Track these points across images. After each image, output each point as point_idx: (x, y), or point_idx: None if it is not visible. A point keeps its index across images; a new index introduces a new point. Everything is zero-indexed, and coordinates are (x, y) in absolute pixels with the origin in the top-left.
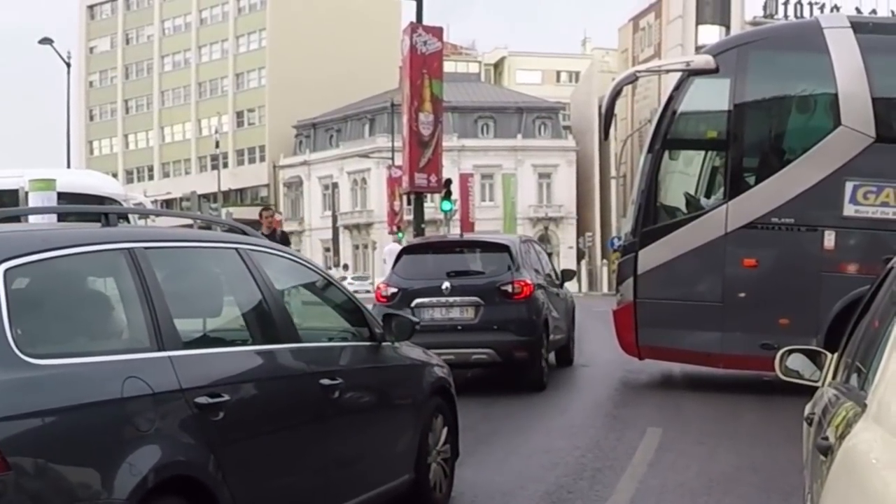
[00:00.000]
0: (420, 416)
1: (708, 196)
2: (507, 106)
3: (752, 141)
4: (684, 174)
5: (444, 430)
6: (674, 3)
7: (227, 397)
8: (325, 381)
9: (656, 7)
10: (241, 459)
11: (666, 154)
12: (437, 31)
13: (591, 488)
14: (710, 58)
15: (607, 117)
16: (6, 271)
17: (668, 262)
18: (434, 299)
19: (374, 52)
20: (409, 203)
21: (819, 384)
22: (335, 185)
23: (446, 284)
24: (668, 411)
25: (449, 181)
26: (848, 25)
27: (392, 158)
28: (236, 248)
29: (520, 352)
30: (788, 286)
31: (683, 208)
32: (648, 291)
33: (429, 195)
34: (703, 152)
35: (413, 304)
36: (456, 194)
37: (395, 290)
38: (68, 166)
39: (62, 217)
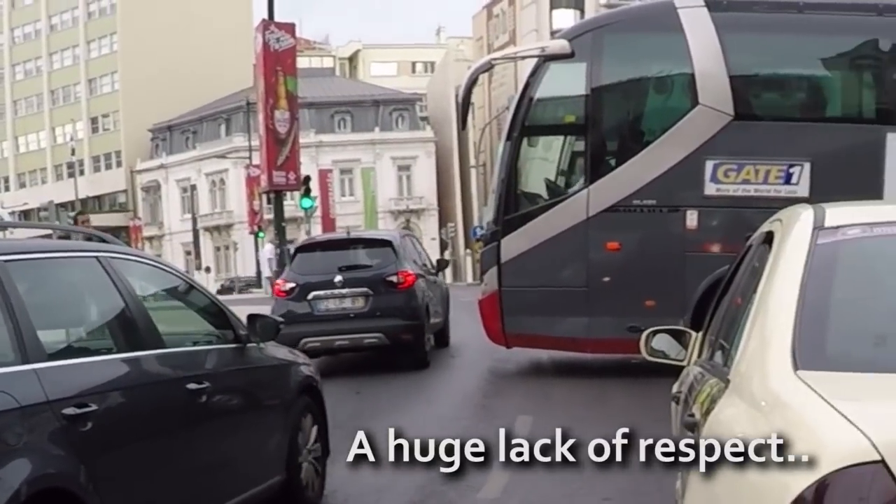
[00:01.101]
0: (289, 415)
1: (568, 181)
2: (363, 99)
3: (611, 124)
4: (544, 160)
5: (314, 429)
6: None
7: (94, 407)
8: (192, 386)
9: None
10: (111, 468)
11: (524, 141)
12: (290, 28)
13: (463, 479)
14: (565, 42)
15: (464, 107)
16: None
17: (531, 249)
18: (328, 291)
19: (228, 51)
20: (269, 202)
21: (685, 363)
22: (193, 188)
23: (338, 278)
24: (538, 399)
25: (308, 178)
26: (702, 4)
27: (250, 158)
28: (96, 257)
29: (406, 335)
30: (653, 268)
31: (544, 195)
32: (513, 279)
33: (288, 193)
34: (562, 138)
35: (309, 297)
36: (315, 191)
37: (292, 284)
38: None
39: None
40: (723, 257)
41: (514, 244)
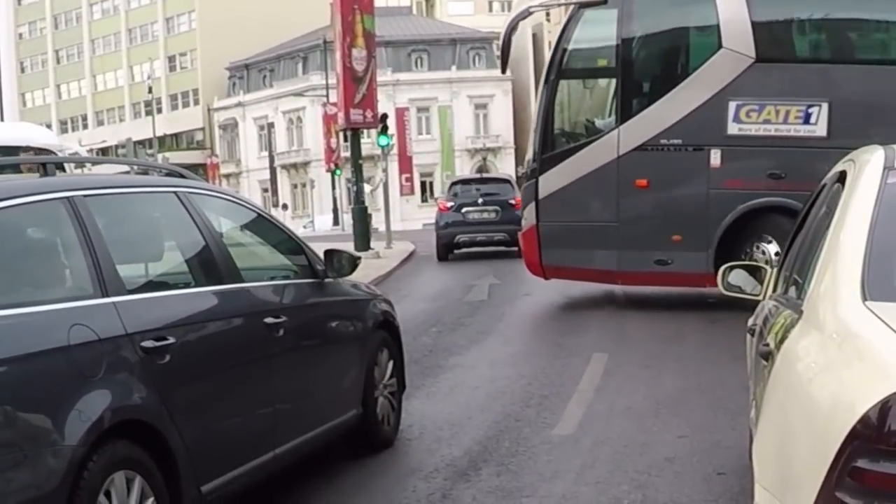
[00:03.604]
0: (365, 350)
1: (600, 122)
2: (440, 38)
3: (641, 67)
4: (579, 102)
5: (390, 364)
6: None
7: (172, 340)
8: (269, 320)
9: None
10: (188, 401)
11: (561, 84)
12: None
13: (538, 415)
14: None
15: (504, 52)
16: None
17: (566, 185)
18: (474, 207)
19: None
20: (345, 140)
21: (760, 298)
22: (271, 126)
23: (480, 199)
24: (613, 336)
25: (385, 116)
26: None
27: (327, 96)
28: (175, 192)
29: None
30: (679, 204)
31: (578, 134)
32: (549, 215)
33: (365, 131)
34: (595, 81)
35: (463, 211)
36: (392, 129)
37: (451, 203)
38: (1, 119)
39: None
40: (745, 194)
41: (550, 181)
